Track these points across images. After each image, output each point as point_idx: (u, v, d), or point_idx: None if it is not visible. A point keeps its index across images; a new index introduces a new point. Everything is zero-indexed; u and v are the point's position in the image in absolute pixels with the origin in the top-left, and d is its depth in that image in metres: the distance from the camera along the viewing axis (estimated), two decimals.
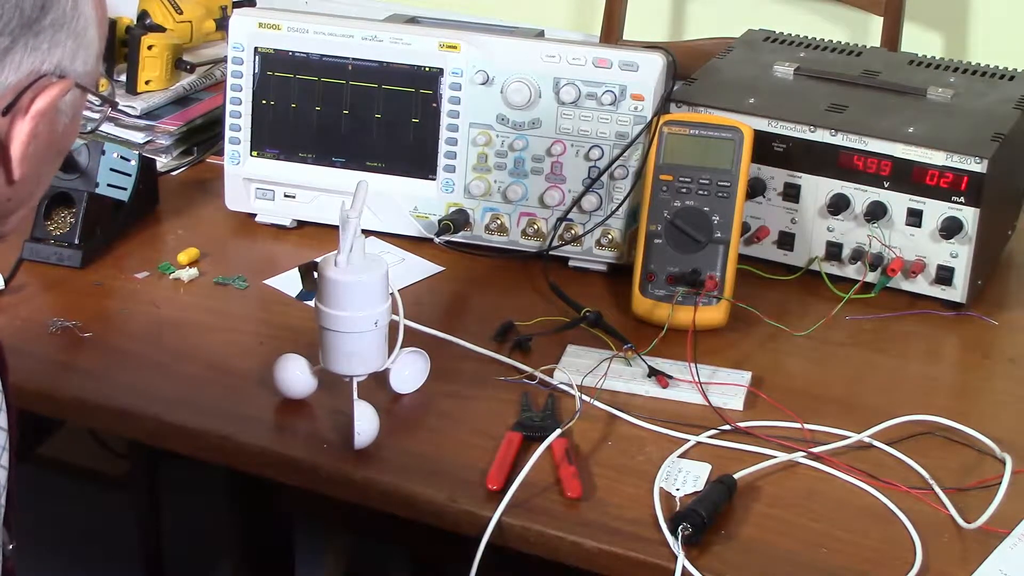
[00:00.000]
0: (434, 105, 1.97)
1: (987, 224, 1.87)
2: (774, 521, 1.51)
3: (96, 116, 1.59)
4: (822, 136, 1.91)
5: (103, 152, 1.94)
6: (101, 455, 3.01)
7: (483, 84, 1.95)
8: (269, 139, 2.02)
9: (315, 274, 1.63)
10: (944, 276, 1.88)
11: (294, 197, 2.03)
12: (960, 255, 1.86)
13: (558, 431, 1.59)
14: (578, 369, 1.72)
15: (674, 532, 1.46)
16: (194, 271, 1.91)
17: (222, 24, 2.37)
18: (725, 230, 1.82)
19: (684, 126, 1.85)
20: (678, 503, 1.51)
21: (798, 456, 1.59)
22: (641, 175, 1.91)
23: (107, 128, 2.21)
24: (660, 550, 1.46)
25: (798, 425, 1.64)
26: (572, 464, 1.55)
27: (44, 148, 1.23)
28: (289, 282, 1.89)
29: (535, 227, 1.97)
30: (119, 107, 2.20)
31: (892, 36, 2.72)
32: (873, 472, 1.57)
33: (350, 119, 1.99)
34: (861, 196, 1.90)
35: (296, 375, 1.66)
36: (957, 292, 1.88)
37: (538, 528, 1.50)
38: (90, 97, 1.26)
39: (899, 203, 1.88)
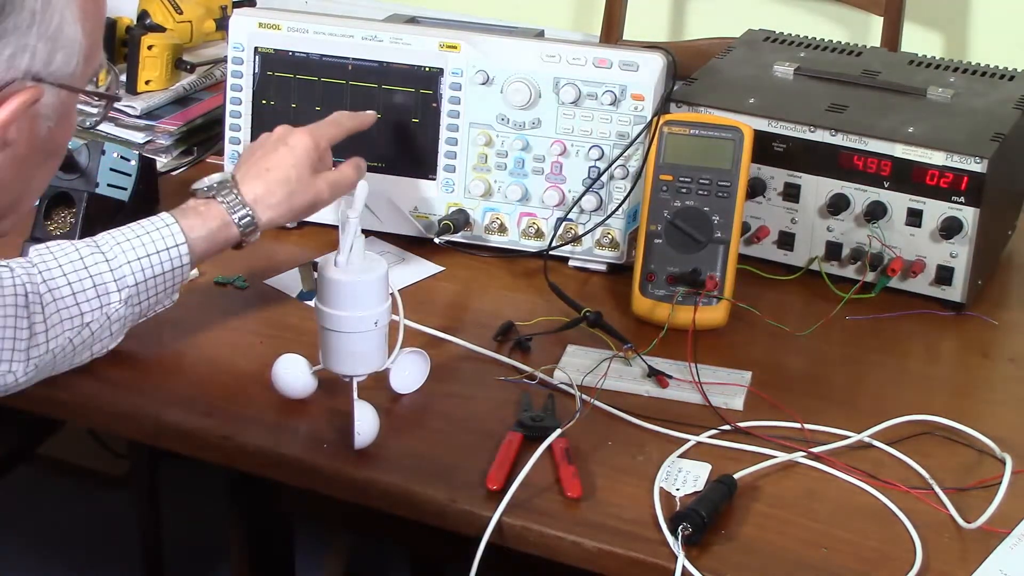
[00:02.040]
0: (434, 105, 1.97)
1: (987, 224, 1.87)
2: (774, 521, 1.51)
3: (95, 111, 1.57)
4: (822, 136, 1.91)
5: (103, 152, 1.94)
6: (101, 455, 3.01)
7: (483, 84, 1.95)
8: None
9: (315, 274, 1.63)
10: (944, 276, 1.88)
11: None
12: (960, 255, 1.86)
13: (558, 431, 1.59)
14: (578, 369, 1.72)
15: (674, 532, 1.46)
16: (194, 271, 1.90)
17: (222, 24, 2.37)
18: (725, 230, 1.82)
19: (684, 126, 1.85)
20: (678, 503, 1.51)
21: (798, 456, 1.59)
22: (641, 175, 1.91)
23: (107, 128, 2.21)
24: (660, 550, 1.46)
25: (798, 425, 1.64)
26: (572, 464, 1.55)
27: (25, 154, 1.18)
28: (289, 282, 1.90)
29: (535, 227, 1.97)
30: (118, 103, 2.20)
31: (892, 36, 2.72)
32: (873, 472, 1.57)
33: None
34: (861, 196, 1.90)
35: (296, 375, 1.66)
36: (957, 292, 1.88)
37: (538, 528, 1.50)
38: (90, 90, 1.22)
39: (899, 203, 1.88)
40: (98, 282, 1.62)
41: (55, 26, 1.15)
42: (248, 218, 1.71)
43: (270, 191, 1.74)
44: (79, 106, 1.26)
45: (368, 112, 1.91)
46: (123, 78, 2.25)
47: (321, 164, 1.79)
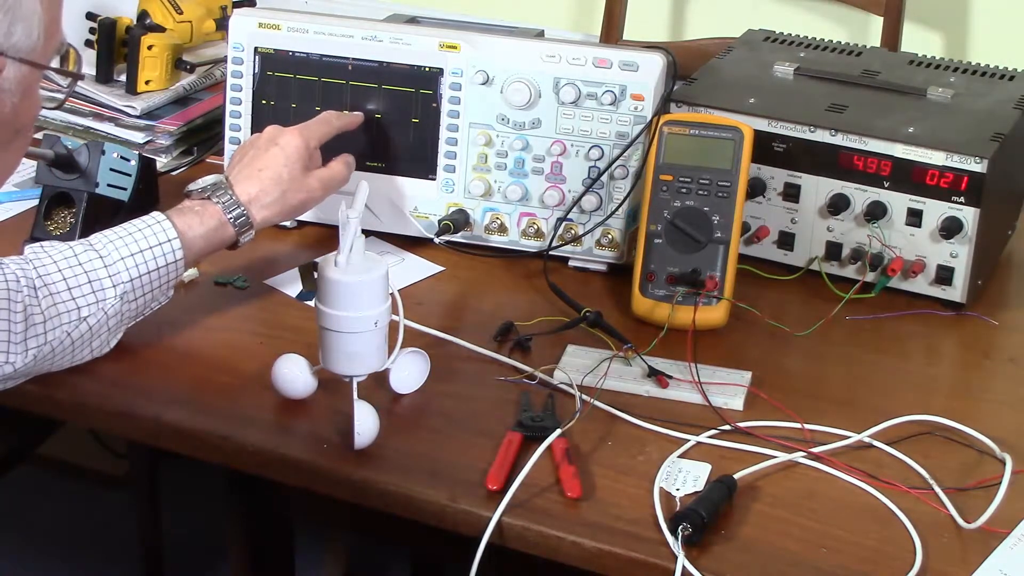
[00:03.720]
0: (434, 105, 1.97)
1: (987, 224, 1.87)
2: (774, 521, 1.51)
3: (61, 95, 1.56)
4: (822, 136, 1.91)
5: (103, 152, 1.94)
6: (101, 455, 3.01)
7: (483, 84, 1.95)
8: None
9: (315, 274, 1.63)
10: (944, 276, 1.88)
11: None
12: (960, 255, 1.86)
13: (558, 431, 1.59)
14: (578, 369, 1.72)
15: (674, 532, 1.46)
16: (194, 271, 1.91)
17: (222, 24, 2.37)
18: (725, 230, 1.82)
19: (684, 126, 1.85)
20: (678, 503, 1.51)
21: (798, 456, 1.59)
22: (641, 175, 1.91)
23: (107, 128, 2.22)
24: (660, 550, 1.46)
25: (798, 425, 1.64)
26: (572, 464, 1.55)
27: None
28: (289, 282, 1.90)
29: (535, 227, 1.97)
30: (119, 104, 2.20)
31: (892, 36, 2.72)
32: (873, 472, 1.57)
33: None
34: (861, 196, 1.90)
35: (296, 375, 1.66)
36: (957, 292, 1.88)
37: (538, 528, 1.50)
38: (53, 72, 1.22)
39: (899, 203, 1.88)
40: (93, 278, 1.63)
41: None
42: (243, 218, 1.75)
43: (264, 191, 1.78)
44: (46, 92, 1.26)
45: (356, 113, 1.95)
46: (123, 78, 2.26)
47: (311, 162, 1.83)
